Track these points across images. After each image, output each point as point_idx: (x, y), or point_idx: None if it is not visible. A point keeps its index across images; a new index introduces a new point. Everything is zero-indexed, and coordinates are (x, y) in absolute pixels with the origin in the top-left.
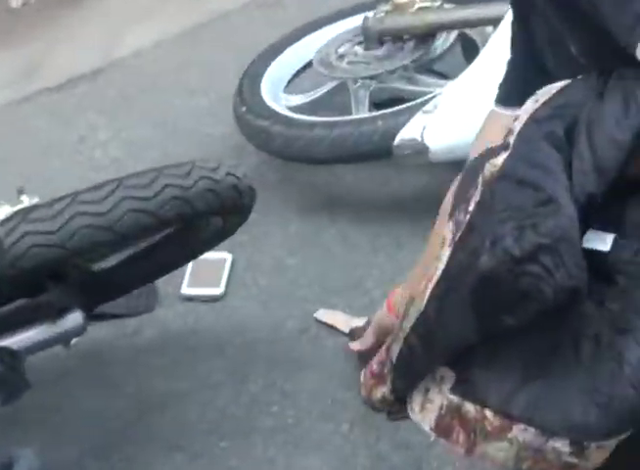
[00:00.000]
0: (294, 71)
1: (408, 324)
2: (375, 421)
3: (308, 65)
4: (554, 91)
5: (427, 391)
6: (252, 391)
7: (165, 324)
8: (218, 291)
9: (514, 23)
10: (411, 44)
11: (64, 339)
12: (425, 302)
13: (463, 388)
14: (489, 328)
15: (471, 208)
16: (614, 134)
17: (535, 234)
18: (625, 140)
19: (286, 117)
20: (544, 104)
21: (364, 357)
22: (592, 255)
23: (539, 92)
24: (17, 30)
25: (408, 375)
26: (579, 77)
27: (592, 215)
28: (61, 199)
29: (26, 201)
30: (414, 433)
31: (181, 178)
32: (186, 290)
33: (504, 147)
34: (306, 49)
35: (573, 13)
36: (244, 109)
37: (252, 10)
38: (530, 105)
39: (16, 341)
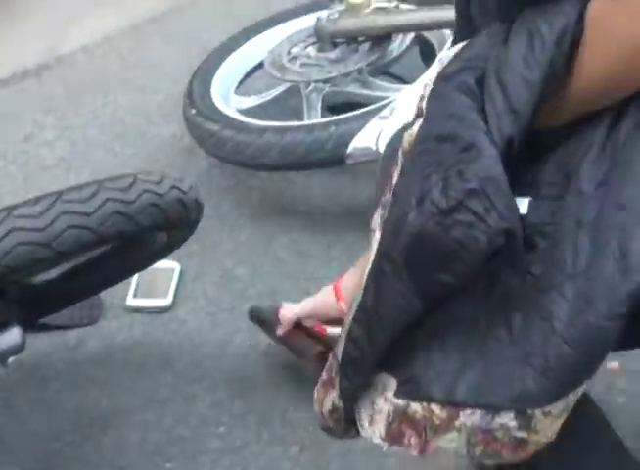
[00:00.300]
0: (245, 72)
1: (350, 317)
2: (325, 444)
3: (261, 65)
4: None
5: (372, 403)
6: (200, 410)
7: (110, 337)
8: (166, 302)
9: (457, 17)
10: (366, 46)
11: (0, 358)
12: (362, 290)
13: (406, 389)
14: (428, 293)
15: (394, 182)
16: (523, 73)
17: (461, 181)
18: (535, 78)
19: (236, 120)
20: (451, 61)
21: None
22: None
23: (443, 56)
24: None
25: (355, 372)
26: (483, 31)
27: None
28: None
29: None
30: (365, 456)
31: (123, 192)
32: (132, 301)
33: (418, 115)
34: (258, 48)
35: None
36: (193, 111)
37: (205, 4)
38: (437, 67)
39: None
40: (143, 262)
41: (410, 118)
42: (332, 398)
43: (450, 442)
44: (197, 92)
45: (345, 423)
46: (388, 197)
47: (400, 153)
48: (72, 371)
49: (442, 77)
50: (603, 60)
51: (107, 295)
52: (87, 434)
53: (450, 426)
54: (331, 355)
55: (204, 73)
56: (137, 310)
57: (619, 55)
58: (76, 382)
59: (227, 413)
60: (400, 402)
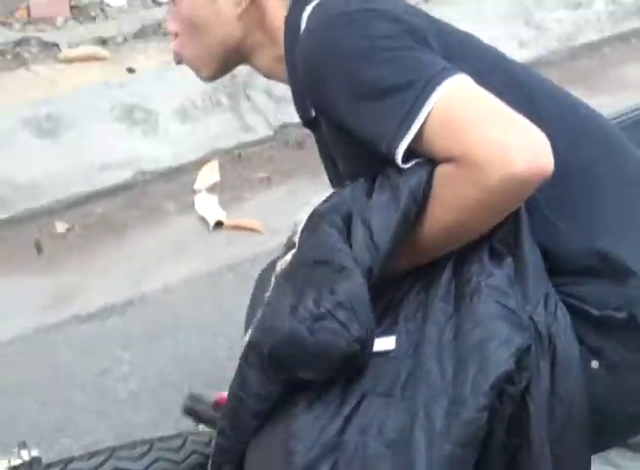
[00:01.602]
0: None
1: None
2: None
3: None
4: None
5: None
6: None
7: None
8: None
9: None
10: None
11: None
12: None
13: None
14: (287, 382)
15: (266, 298)
16: (383, 219)
17: (332, 295)
18: (393, 223)
19: None
20: (321, 203)
21: None
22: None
23: (313, 201)
24: (57, 255)
25: (223, 460)
26: (349, 184)
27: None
28: (54, 464)
29: (25, 456)
30: None
31: (173, 452)
32: None
33: (291, 247)
34: None
35: (341, 136)
36: None
37: (277, 251)
38: (308, 210)
39: None
40: None
41: (281, 252)
42: None
43: None
44: None
45: None
46: (259, 314)
47: (273, 277)
48: None
49: (315, 215)
50: (446, 213)
51: None
52: None
53: None
54: None
55: None
56: None
57: (458, 212)
58: None
59: None
60: None
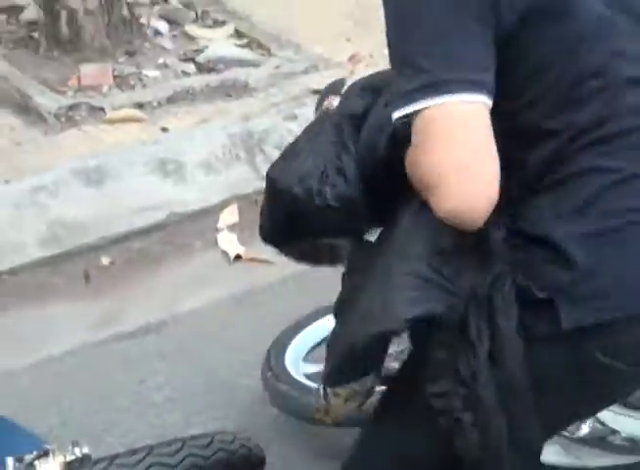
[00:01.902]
0: (313, 344)
1: None
2: None
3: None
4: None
5: None
6: None
7: None
8: None
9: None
10: None
11: None
12: None
13: None
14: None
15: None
16: (369, 148)
17: (330, 193)
18: (380, 155)
19: (300, 383)
20: (351, 87)
21: None
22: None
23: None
24: (102, 284)
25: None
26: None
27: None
28: (101, 460)
29: (78, 453)
30: None
31: (202, 449)
32: None
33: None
34: (326, 326)
35: None
36: (269, 374)
37: (287, 280)
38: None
39: None
40: None
41: (334, 96)
42: None
43: None
44: (273, 357)
45: None
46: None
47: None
48: None
49: (355, 87)
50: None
51: None
52: None
53: None
54: None
55: (280, 343)
56: None
57: (411, 179)
58: None
59: None
60: None
